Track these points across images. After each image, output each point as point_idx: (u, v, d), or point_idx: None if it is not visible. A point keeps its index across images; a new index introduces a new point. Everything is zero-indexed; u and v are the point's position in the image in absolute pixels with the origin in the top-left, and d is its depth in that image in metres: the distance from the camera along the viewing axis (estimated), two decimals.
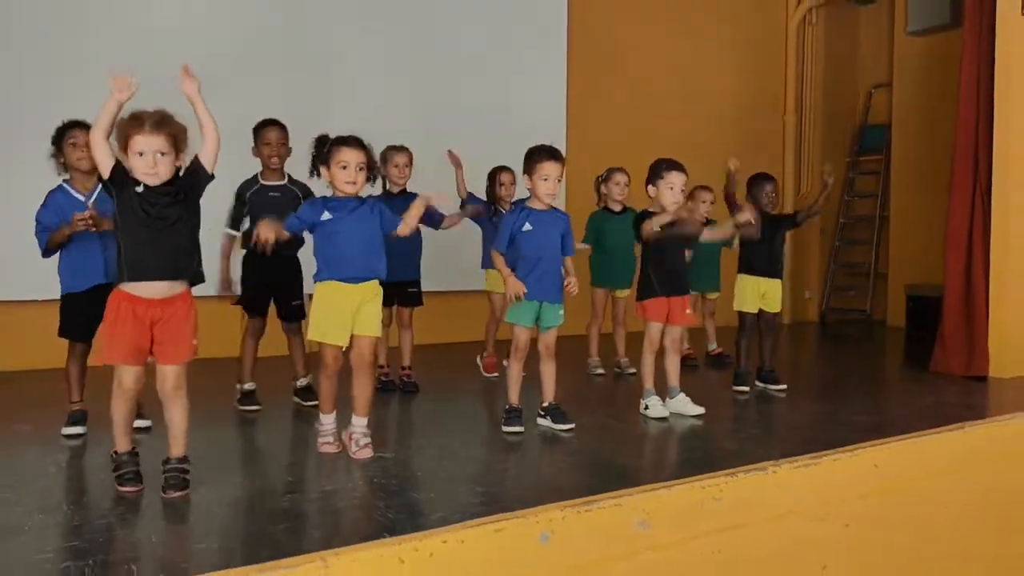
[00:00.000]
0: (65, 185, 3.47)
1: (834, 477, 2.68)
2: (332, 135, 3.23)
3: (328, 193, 3.25)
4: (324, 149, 3.16)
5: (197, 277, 2.78)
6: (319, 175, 3.25)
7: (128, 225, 2.62)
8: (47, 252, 3.41)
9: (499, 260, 3.57)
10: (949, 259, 5.38)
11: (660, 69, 7.97)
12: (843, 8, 9.39)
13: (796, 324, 9.14)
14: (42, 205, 3.42)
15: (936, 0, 8.19)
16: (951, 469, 3.03)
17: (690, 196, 5.54)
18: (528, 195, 3.68)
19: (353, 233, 3.12)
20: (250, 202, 4.03)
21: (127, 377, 2.64)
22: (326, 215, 3.13)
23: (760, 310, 4.69)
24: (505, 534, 2.02)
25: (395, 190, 4.46)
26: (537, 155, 3.52)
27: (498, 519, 2.06)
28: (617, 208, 5.05)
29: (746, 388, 4.56)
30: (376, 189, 3.85)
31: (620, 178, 5.02)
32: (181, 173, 2.69)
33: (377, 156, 3.44)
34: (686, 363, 5.47)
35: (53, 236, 3.35)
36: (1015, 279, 5.08)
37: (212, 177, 2.71)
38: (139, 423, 3.31)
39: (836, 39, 9.40)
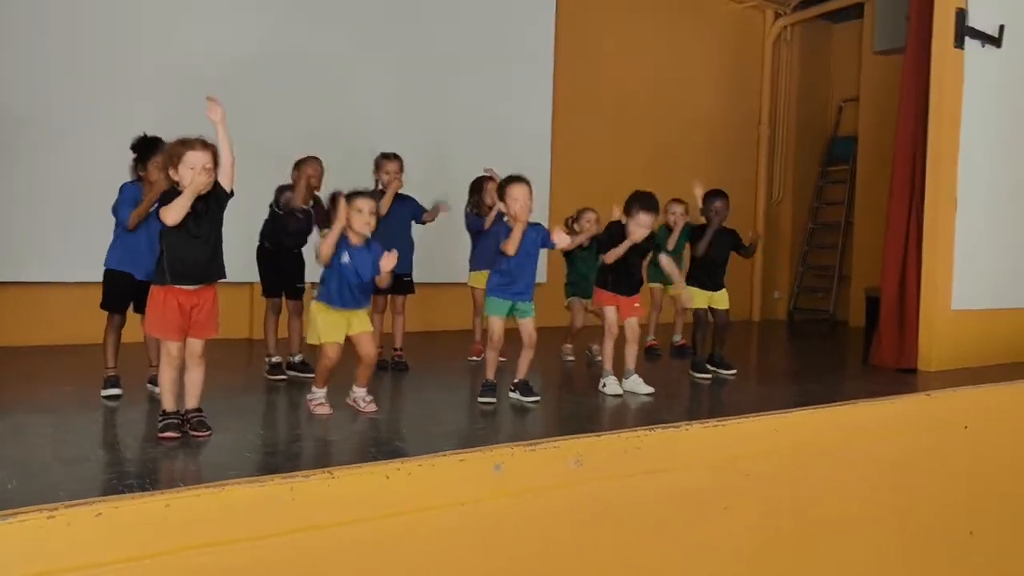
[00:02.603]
0: (136, 184, 4.04)
1: (738, 437, 3.31)
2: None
3: None
4: (339, 201, 3.73)
5: (220, 274, 3.37)
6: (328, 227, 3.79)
7: (171, 236, 3.21)
8: (135, 226, 3.96)
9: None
10: (887, 264, 6.00)
11: (641, 82, 8.57)
12: (816, 27, 10.02)
13: (765, 322, 9.77)
14: (121, 194, 4.00)
15: (899, 22, 8.79)
16: (844, 437, 3.68)
17: (664, 209, 6.18)
18: None
19: (357, 274, 3.73)
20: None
21: (173, 348, 3.25)
22: (345, 257, 3.72)
23: (711, 308, 5.28)
24: (467, 463, 2.65)
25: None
26: (505, 182, 4.14)
27: (461, 452, 2.68)
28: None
29: (708, 376, 5.02)
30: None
31: (590, 216, 5.51)
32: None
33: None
34: (651, 353, 6.13)
35: (139, 210, 3.91)
36: (943, 283, 5.70)
37: (231, 194, 3.31)
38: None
39: (809, 56, 10.04)
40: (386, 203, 4.98)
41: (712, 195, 5.27)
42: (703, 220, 5.33)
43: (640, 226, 4.45)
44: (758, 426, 3.41)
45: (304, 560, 2.34)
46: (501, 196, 4.16)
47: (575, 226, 5.63)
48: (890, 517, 3.95)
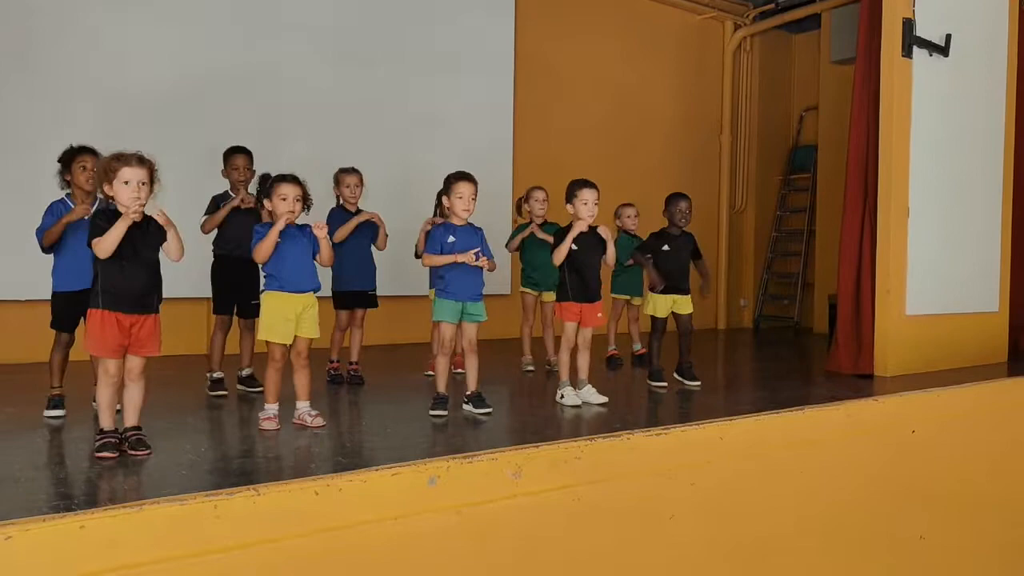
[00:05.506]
0: (67, 199, 4.03)
1: (682, 445, 3.31)
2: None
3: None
4: (267, 185, 3.80)
5: (155, 308, 3.31)
6: (263, 206, 3.90)
7: (104, 265, 3.15)
8: (47, 249, 3.95)
9: (435, 258, 4.15)
10: (842, 270, 6.06)
11: (600, 93, 8.62)
12: (776, 37, 10.13)
13: (732, 331, 9.82)
14: (47, 212, 3.96)
15: (855, 33, 8.89)
16: (791, 443, 3.68)
17: (615, 213, 6.24)
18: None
19: (291, 254, 3.74)
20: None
21: (111, 366, 3.21)
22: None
23: (673, 313, 5.25)
24: (400, 477, 2.62)
25: (350, 208, 5.05)
26: (450, 179, 4.17)
27: (394, 466, 2.66)
28: (539, 221, 5.66)
29: (664, 384, 4.97)
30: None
31: (539, 195, 5.64)
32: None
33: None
34: (613, 362, 6.13)
35: (51, 231, 3.89)
36: (896, 289, 5.76)
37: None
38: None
39: (770, 66, 10.15)
40: (351, 226, 4.90)
41: (676, 197, 5.22)
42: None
43: (584, 202, 4.38)
44: (702, 434, 3.40)
45: None
46: (446, 193, 4.17)
47: (524, 205, 5.70)
48: (840, 523, 3.96)
